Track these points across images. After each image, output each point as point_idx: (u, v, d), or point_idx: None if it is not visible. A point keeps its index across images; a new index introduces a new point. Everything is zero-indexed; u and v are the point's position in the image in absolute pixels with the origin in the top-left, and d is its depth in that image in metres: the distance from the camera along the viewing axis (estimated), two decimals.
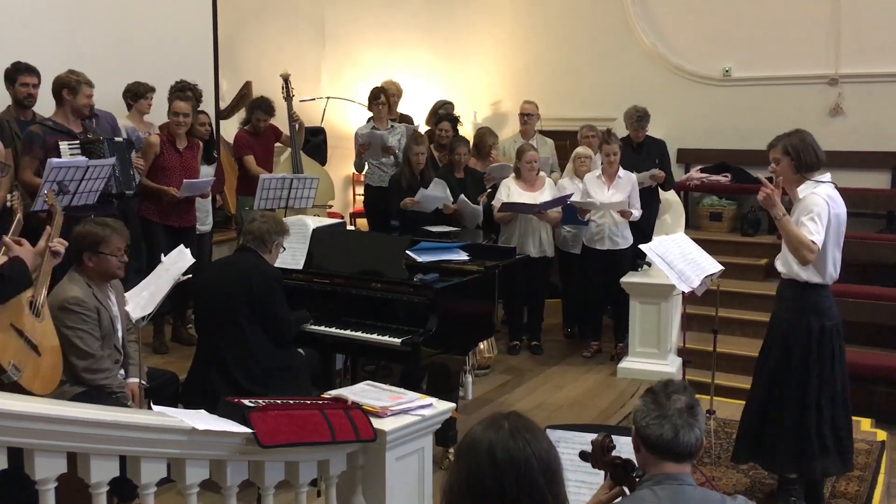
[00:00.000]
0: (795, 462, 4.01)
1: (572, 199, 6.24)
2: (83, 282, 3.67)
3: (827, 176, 3.94)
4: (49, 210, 3.92)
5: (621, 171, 6.27)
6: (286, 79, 6.89)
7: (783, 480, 4.16)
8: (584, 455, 2.34)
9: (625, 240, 6.32)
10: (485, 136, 7.07)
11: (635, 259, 6.23)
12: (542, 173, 6.50)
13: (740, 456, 4.24)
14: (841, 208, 3.93)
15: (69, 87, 4.92)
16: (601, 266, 6.33)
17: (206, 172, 5.99)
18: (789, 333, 4.00)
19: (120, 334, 3.83)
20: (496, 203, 6.36)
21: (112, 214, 5.13)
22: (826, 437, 3.97)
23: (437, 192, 5.97)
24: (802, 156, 3.87)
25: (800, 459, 3.99)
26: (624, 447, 2.31)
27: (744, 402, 5.46)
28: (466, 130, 8.61)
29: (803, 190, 3.91)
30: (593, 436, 2.34)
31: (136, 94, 6.06)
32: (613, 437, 2.31)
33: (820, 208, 3.79)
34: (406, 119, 7.55)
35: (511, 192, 6.32)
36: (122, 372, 3.85)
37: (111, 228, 3.75)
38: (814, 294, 3.95)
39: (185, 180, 5.59)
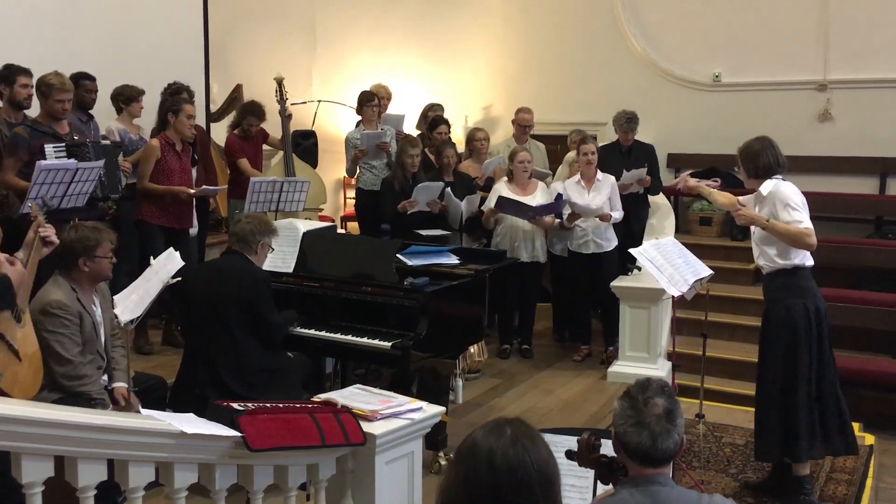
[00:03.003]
0: (810, 446, 4.07)
1: (568, 205, 6.25)
2: (67, 286, 3.64)
3: (778, 176, 4.12)
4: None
5: (599, 174, 6.30)
6: (280, 82, 6.89)
7: (795, 478, 4.15)
8: (570, 454, 2.36)
9: (609, 242, 6.34)
10: (474, 133, 7.14)
11: (624, 263, 6.24)
12: (533, 178, 6.51)
13: (772, 454, 4.23)
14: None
15: (41, 90, 4.89)
16: (588, 270, 6.35)
17: None
18: (792, 318, 4.07)
19: (103, 339, 3.79)
20: (486, 208, 6.36)
21: (97, 218, 5.13)
22: (845, 413, 4.11)
23: (430, 186, 6.03)
24: (746, 163, 4.17)
25: (815, 442, 4.06)
26: (608, 447, 2.32)
27: (734, 407, 5.51)
28: (457, 134, 8.62)
29: (766, 186, 4.09)
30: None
31: (129, 98, 6.05)
32: (601, 438, 2.32)
33: (795, 195, 4.01)
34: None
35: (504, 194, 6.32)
36: (105, 378, 3.81)
37: (102, 231, 3.74)
38: (802, 278, 4.10)
39: (203, 186, 5.71)
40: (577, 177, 6.34)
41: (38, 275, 3.58)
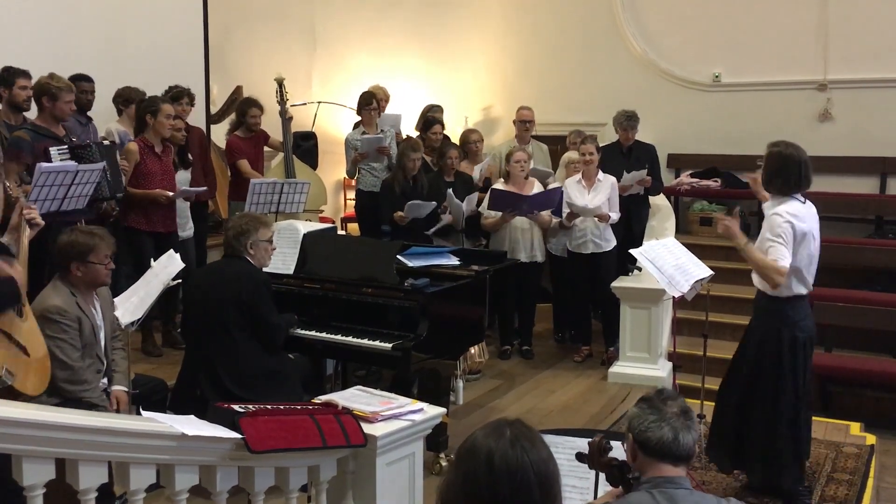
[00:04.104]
0: (775, 476, 4.04)
1: (566, 205, 6.25)
2: (66, 291, 3.63)
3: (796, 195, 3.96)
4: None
5: (600, 174, 6.30)
6: (280, 83, 6.89)
7: (792, 490, 4.14)
8: (580, 456, 2.35)
9: (608, 242, 6.34)
10: (468, 135, 7.16)
11: (625, 263, 6.24)
12: (531, 178, 6.50)
13: (724, 464, 4.29)
14: (808, 222, 3.93)
15: (49, 93, 4.87)
16: (587, 270, 6.35)
17: (184, 177, 5.98)
18: (762, 344, 4.04)
19: (103, 343, 3.78)
20: (483, 210, 6.36)
21: (98, 219, 5.13)
22: (803, 445, 4.02)
23: (420, 206, 6.04)
24: (773, 176, 3.94)
25: (779, 473, 4.01)
26: (619, 450, 2.32)
27: None
28: (457, 135, 8.61)
29: (768, 206, 3.97)
30: (584, 440, 2.34)
31: (128, 100, 6.06)
32: (611, 441, 2.33)
33: (783, 230, 3.81)
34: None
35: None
36: (104, 380, 3.80)
37: (98, 237, 3.71)
38: (786, 305, 3.98)
39: (183, 188, 5.66)
40: (578, 176, 6.34)
41: (40, 275, 3.58)
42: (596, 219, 6.22)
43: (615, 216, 6.30)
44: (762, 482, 4.11)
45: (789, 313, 3.98)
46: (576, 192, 6.28)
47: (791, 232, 3.82)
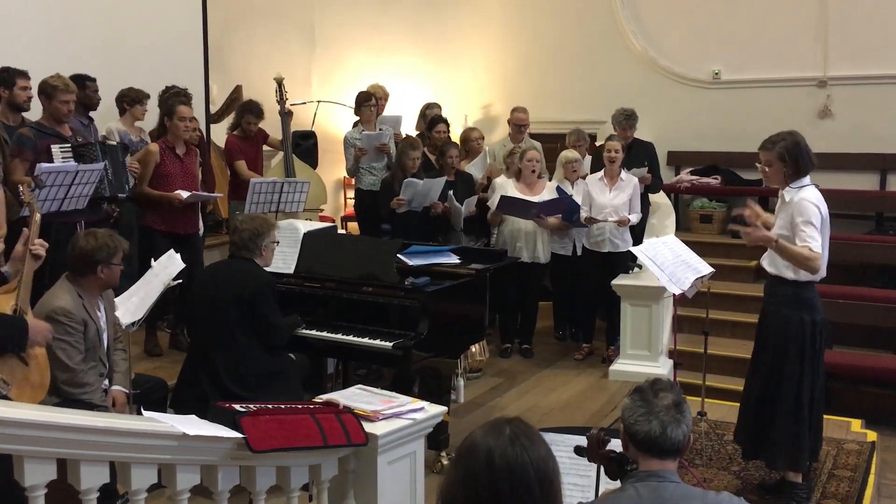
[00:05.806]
0: (793, 460, 4.05)
1: (583, 211, 6.25)
2: (74, 292, 3.62)
3: (807, 179, 3.99)
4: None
5: (623, 174, 6.28)
6: (280, 82, 6.89)
7: (789, 484, 4.14)
8: (579, 450, 2.36)
9: (625, 243, 6.30)
10: (469, 133, 7.20)
11: (626, 262, 6.24)
12: (542, 177, 6.51)
13: (747, 452, 4.31)
14: (826, 208, 3.99)
15: (45, 92, 4.90)
16: (599, 268, 6.32)
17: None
18: (784, 329, 4.03)
19: (106, 346, 3.78)
20: (492, 204, 6.34)
21: (102, 219, 5.13)
22: (819, 432, 4.06)
23: (426, 184, 5.98)
24: (800, 162, 3.93)
25: (797, 457, 4.03)
26: (617, 443, 2.33)
27: (736, 404, 5.50)
28: (457, 134, 8.61)
29: (789, 192, 3.96)
30: (584, 438, 2.35)
31: (133, 100, 6.07)
32: (610, 436, 2.33)
33: (814, 216, 3.86)
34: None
35: (509, 194, 6.31)
36: (105, 382, 3.80)
37: (116, 239, 3.72)
38: (804, 290, 4.02)
39: (192, 192, 5.63)
40: (601, 174, 6.32)
41: (41, 275, 3.57)
42: (615, 223, 6.20)
43: (635, 218, 6.27)
44: (788, 465, 4.10)
45: (806, 296, 4.02)
46: (597, 191, 6.25)
47: (819, 217, 3.89)
